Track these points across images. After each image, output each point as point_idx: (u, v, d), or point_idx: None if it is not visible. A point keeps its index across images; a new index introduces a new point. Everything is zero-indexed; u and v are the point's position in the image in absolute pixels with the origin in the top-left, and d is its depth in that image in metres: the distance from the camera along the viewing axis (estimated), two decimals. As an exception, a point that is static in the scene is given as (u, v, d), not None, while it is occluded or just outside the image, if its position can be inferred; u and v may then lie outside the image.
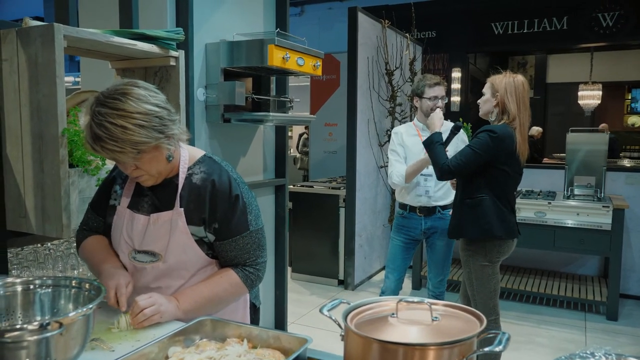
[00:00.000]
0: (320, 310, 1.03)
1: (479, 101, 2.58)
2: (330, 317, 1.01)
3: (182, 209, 1.40)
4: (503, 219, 2.46)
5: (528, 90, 2.50)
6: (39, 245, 2.06)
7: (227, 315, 1.47)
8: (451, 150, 2.97)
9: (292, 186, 5.06)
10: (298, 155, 9.77)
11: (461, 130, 2.92)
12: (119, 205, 1.49)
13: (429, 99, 3.01)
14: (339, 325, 0.98)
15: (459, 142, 3.08)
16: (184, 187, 1.42)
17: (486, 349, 0.89)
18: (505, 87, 2.43)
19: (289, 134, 13.22)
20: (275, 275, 3.57)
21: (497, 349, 0.88)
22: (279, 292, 3.57)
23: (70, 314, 0.94)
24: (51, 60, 1.62)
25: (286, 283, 3.60)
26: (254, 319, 1.65)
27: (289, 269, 5.01)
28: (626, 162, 7.52)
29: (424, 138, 3.07)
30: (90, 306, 0.97)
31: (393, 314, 0.98)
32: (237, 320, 1.39)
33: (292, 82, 4.03)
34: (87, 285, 1.09)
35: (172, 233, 1.39)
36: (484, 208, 2.45)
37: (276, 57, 2.65)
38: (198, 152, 1.51)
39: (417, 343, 0.89)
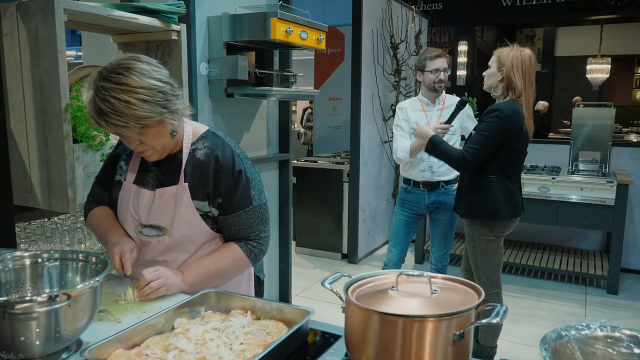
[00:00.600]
0: (322, 283, 1.05)
1: (484, 73, 2.55)
2: (332, 290, 1.03)
3: (187, 183, 1.41)
4: (510, 199, 2.46)
5: (535, 65, 2.46)
6: (46, 219, 2.09)
7: (232, 288, 1.50)
8: (456, 124, 2.96)
9: (295, 161, 5.07)
10: (302, 130, 9.74)
11: (467, 104, 2.90)
12: (124, 181, 1.51)
13: (431, 71, 2.98)
14: (340, 297, 1.00)
15: (465, 117, 3.06)
16: (188, 162, 1.43)
17: (483, 321, 0.91)
18: (512, 62, 2.40)
19: (293, 108, 13.18)
20: (280, 249, 3.61)
21: (494, 321, 0.90)
22: (283, 265, 3.62)
23: (78, 286, 0.97)
24: (52, 35, 1.61)
25: (290, 257, 3.64)
26: (259, 292, 1.67)
27: (293, 243, 5.07)
28: (633, 137, 7.48)
29: (429, 113, 3.06)
30: (98, 279, 0.99)
31: (393, 286, 1.00)
32: (242, 293, 1.41)
33: (296, 55, 4.00)
34: (93, 259, 1.12)
35: (177, 207, 1.41)
36: (493, 191, 2.44)
37: (279, 31, 2.62)
38: (202, 128, 1.51)
39: (415, 315, 0.91)
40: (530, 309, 3.76)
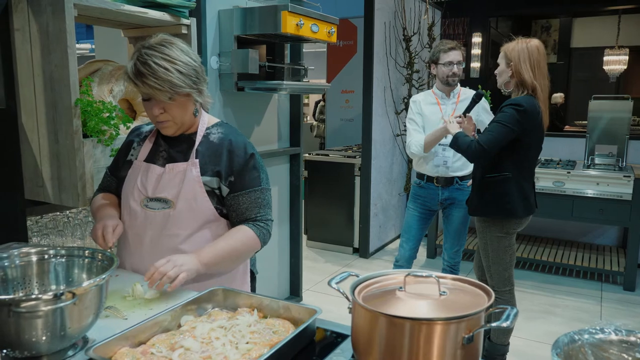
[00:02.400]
0: (329, 283, 1.03)
1: (495, 72, 2.50)
2: (338, 290, 1.02)
3: (197, 159, 1.50)
4: (524, 196, 2.41)
5: (544, 54, 2.37)
6: (58, 213, 2.10)
7: (226, 281, 1.54)
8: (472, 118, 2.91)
9: (307, 155, 5.05)
10: (315, 122, 9.71)
11: (482, 98, 2.85)
12: (135, 160, 1.58)
13: (444, 64, 2.93)
14: (347, 297, 0.98)
15: (481, 110, 3.01)
16: (201, 143, 1.52)
17: (493, 325, 0.89)
18: (519, 55, 2.33)
19: (305, 101, 13.14)
20: (291, 243, 3.61)
21: (504, 325, 0.88)
22: (294, 259, 3.62)
23: (84, 284, 0.96)
24: (62, 30, 1.62)
25: (301, 251, 3.64)
26: (252, 287, 1.74)
27: (304, 237, 5.07)
28: (651, 131, 7.33)
29: (443, 107, 3.02)
30: (103, 276, 0.99)
31: (401, 287, 0.98)
32: (235, 287, 1.51)
33: (308, 48, 3.95)
34: (100, 256, 1.12)
35: (185, 181, 1.48)
36: (507, 187, 2.39)
37: (290, 24, 2.60)
38: (215, 119, 1.63)
39: (424, 318, 0.89)
40: (544, 306, 3.72)
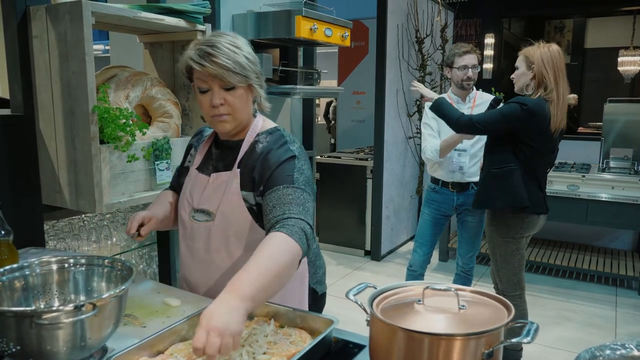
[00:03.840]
0: (347, 295, 1.03)
1: (512, 76, 2.48)
2: (356, 302, 1.02)
3: (239, 170, 1.40)
4: (531, 191, 2.41)
5: (564, 59, 2.38)
6: (74, 217, 2.12)
7: (282, 299, 1.29)
8: None
9: (319, 157, 5.06)
10: (332, 123, 9.71)
11: (501, 103, 2.83)
12: (191, 166, 1.54)
13: (459, 68, 2.90)
14: (365, 310, 0.98)
15: None
16: (247, 152, 1.42)
17: (513, 340, 0.88)
18: (542, 58, 2.33)
19: (317, 102, 13.14)
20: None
21: (524, 341, 0.87)
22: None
23: (104, 295, 0.97)
24: (80, 37, 1.63)
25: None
26: (315, 307, 1.53)
27: (316, 239, 5.06)
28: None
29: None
30: (123, 287, 1.00)
31: (419, 300, 0.97)
32: (293, 305, 1.30)
33: (319, 49, 3.94)
34: (119, 265, 1.12)
35: (226, 193, 1.40)
36: (513, 178, 2.39)
37: (304, 28, 2.60)
38: (271, 124, 1.50)
39: (443, 333, 0.89)
40: (558, 311, 3.68)
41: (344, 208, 4.91)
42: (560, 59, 2.35)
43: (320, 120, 11.77)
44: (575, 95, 8.36)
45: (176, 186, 1.63)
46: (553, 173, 4.11)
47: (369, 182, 4.72)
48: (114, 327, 1.02)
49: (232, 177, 1.40)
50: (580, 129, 7.41)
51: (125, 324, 1.23)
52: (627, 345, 0.88)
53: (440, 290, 0.98)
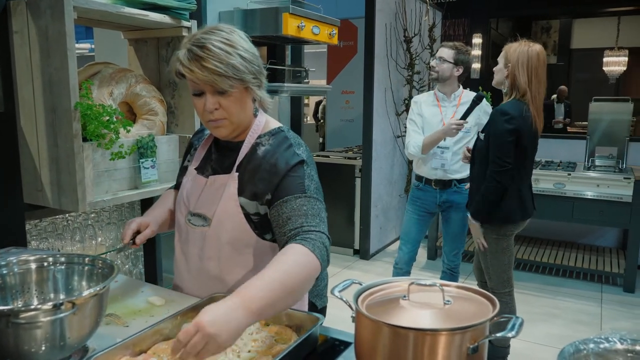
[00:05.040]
0: (332, 292, 1.02)
1: (494, 69, 2.51)
2: (342, 299, 1.01)
3: (237, 173, 1.32)
4: (522, 201, 2.43)
5: (544, 61, 2.37)
6: (57, 216, 2.09)
7: None
8: (472, 121, 2.90)
9: (307, 156, 5.04)
10: (321, 121, 9.70)
11: (483, 100, 2.84)
12: (190, 166, 1.47)
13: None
14: (350, 306, 0.97)
15: (482, 114, 2.99)
16: (247, 155, 1.33)
17: (498, 335, 0.88)
18: (518, 57, 2.33)
19: (305, 101, 13.13)
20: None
21: (509, 335, 0.87)
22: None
23: (84, 294, 0.95)
24: (62, 33, 1.60)
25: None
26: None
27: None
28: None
29: (444, 109, 3.01)
30: (103, 285, 0.98)
31: (404, 296, 0.97)
32: None
33: (308, 48, 3.93)
34: (100, 263, 1.10)
35: (223, 197, 1.32)
36: (507, 196, 2.40)
37: (291, 26, 2.59)
38: (274, 124, 1.41)
39: (428, 328, 0.88)
40: (545, 308, 3.71)
41: (332, 207, 4.90)
42: (538, 61, 2.34)
43: (310, 119, 11.76)
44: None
45: (179, 185, 1.54)
46: (540, 171, 4.15)
47: (358, 181, 4.72)
48: (95, 327, 1.00)
49: (229, 181, 1.31)
50: (568, 129, 7.49)
51: (108, 324, 1.21)
52: (610, 339, 0.88)
53: (425, 285, 0.97)
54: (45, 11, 1.63)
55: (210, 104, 1.23)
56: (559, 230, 4.86)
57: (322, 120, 9.49)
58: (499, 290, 2.55)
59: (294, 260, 1.09)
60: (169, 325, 1.13)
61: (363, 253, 4.75)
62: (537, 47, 2.36)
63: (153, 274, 2.39)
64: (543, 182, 4.12)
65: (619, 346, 0.87)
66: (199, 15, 2.56)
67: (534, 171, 4.13)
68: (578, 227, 4.78)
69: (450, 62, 2.87)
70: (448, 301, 0.94)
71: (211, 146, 1.44)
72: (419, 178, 3.05)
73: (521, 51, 2.36)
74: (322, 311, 1.49)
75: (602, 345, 0.86)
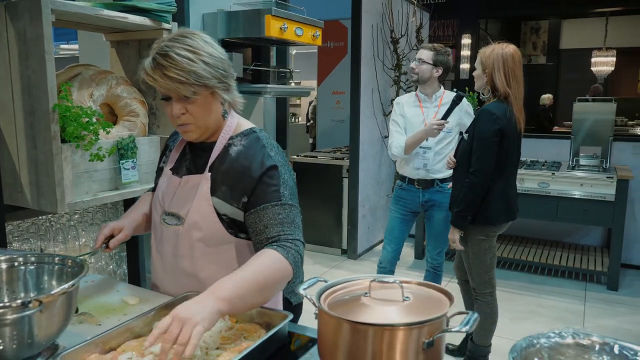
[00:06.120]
0: (297, 290, 1.05)
1: (473, 74, 2.54)
2: (306, 296, 1.03)
3: (210, 174, 1.35)
4: (507, 203, 2.45)
5: (520, 61, 2.40)
6: (40, 217, 2.10)
7: None
8: (453, 122, 2.93)
9: (295, 156, 5.07)
10: (312, 122, 9.73)
11: (464, 99, 2.88)
12: (165, 167, 1.50)
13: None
14: (314, 303, 1.00)
15: (463, 114, 3.02)
16: (219, 155, 1.36)
17: (453, 329, 0.90)
18: (493, 62, 2.36)
19: (297, 102, 13.14)
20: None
21: (463, 330, 0.89)
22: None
23: (53, 292, 0.97)
24: (39, 35, 1.62)
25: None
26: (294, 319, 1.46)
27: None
28: (638, 131, 7.41)
29: (425, 110, 3.04)
30: (72, 283, 0.99)
31: (366, 293, 0.99)
32: None
33: (299, 49, 3.95)
34: (70, 262, 1.12)
35: (196, 197, 1.34)
36: (490, 195, 2.43)
37: (273, 28, 2.62)
38: (247, 125, 1.44)
39: (386, 324, 0.90)
40: (529, 306, 3.75)
41: (320, 207, 4.93)
42: (514, 62, 2.37)
43: (301, 120, 11.79)
44: (549, 96, 8.50)
45: (156, 187, 1.57)
46: (524, 171, 4.19)
47: (345, 182, 4.75)
48: (64, 325, 1.02)
49: (202, 181, 1.34)
50: (556, 128, 7.55)
51: (81, 322, 1.23)
52: (562, 334, 0.91)
53: (387, 282, 1.00)
54: (23, 14, 1.64)
55: (176, 109, 1.27)
56: (545, 229, 4.91)
57: (312, 121, 9.52)
58: (481, 291, 2.59)
59: (267, 264, 1.18)
60: (140, 324, 1.15)
61: (351, 253, 4.78)
62: (510, 47, 2.39)
63: (136, 274, 2.41)
64: (528, 181, 4.16)
65: (569, 340, 0.90)
66: (181, 17, 2.58)
67: (519, 171, 4.18)
68: (564, 226, 4.84)
69: (429, 64, 2.91)
70: (407, 297, 0.97)
71: (185, 147, 1.47)
72: (402, 178, 3.08)
73: (495, 55, 2.38)
74: (297, 307, 1.51)
75: (552, 340, 0.89)
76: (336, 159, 4.85)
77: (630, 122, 8.44)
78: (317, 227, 4.96)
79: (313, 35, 2.91)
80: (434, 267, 3.11)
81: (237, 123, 1.40)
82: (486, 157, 2.37)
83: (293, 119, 12.72)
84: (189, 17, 2.66)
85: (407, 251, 4.97)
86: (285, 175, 1.34)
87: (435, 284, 1.02)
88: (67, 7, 1.68)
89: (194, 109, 1.28)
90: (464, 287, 2.85)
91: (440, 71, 2.93)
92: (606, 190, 3.93)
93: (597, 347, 0.89)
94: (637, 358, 0.83)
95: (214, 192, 1.33)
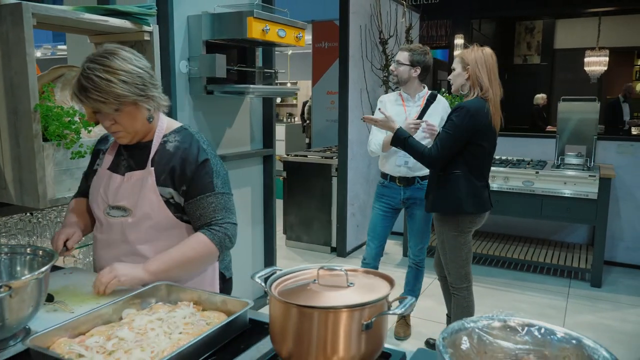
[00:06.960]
0: (252, 277, 1.11)
1: (449, 77, 2.61)
2: (261, 284, 1.10)
3: (153, 168, 1.52)
4: (475, 194, 2.51)
5: (496, 62, 2.52)
6: (27, 214, 2.17)
7: (196, 283, 1.56)
8: (436, 121, 2.97)
9: (286, 155, 5.15)
10: (308, 122, 9.80)
11: (438, 97, 2.94)
12: (100, 168, 1.63)
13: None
14: (266, 291, 1.07)
15: (443, 113, 3.08)
16: (157, 151, 1.54)
17: (390, 312, 0.98)
18: (476, 60, 2.46)
19: (294, 102, 13.19)
20: (265, 244, 3.69)
21: (398, 312, 0.96)
22: (267, 259, 3.70)
23: (23, 278, 1.04)
24: (21, 38, 1.68)
25: (275, 251, 3.72)
26: (224, 289, 1.71)
27: (284, 237, 5.15)
28: (633, 130, 7.48)
29: (407, 109, 3.11)
30: (41, 270, 1.07)
31: (314, 280, 1.06)
32: (205, 288, 1.50)
33: (294, 49, 4.00)
34: (41, 252, 1.19)
35: (142, 190, 1.51)
36: (457, 185, 2.50)
37: (256, 29, 2.68)
38: (176, 124, 1.64)
39: (330, 306, 0.97)
40: (513, 302, 3.82)
41: (310, 206, 5.00)
42: (493, 62, 2.49)
43: (297, 120, 11.86)
44: (543, 95, 8.54)
45: (86, 190, 1.71)
46: (509, 169, 4.26)
47: (335, 180, 4.82)
48: (34, 309, 1.09)
49: (146, 175, 1.51)
50: (549, 128, 7.61)
51: (55, 310, 1.29)
52: (493, 317, 0.98)
53: (334, 270, 1.07)
54: (6, 18, 1.71)
55: (105, 122, 1.47)
56: (531, 227, 4.98)
57: (308, 121, 9.59)
58: (457, 285, 2.66)
59: (193, 246, 1.49)
60: (110, 311, 1.22)
61: (340, 251, 4.85)
62: (488, 50, 2.51)
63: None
64: (513, 180, 4.23)
65: (496, 323, 0.97)
66: (165, 18, 2.64)
67: (504, 169, 4.25)
68: (550, 224, 4.90)
69: (407, 64, 2.97)
70: (351, 283, 1.04)
71: (120, 148, 1.62)
72: (384, 175, 3.15)
73: (477, 54, 2.49)
74: (230, 281, 1.75)
75: (481, 322, 0.96)
76: (325, 158, 4.92)
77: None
78: (306, 226, 5.03)
79: (296, 37, 2.98)
80: (416, 263, 3.18)
81: (167, 123, 1.60)
82: (449, 145, 2.45)
83: (289, 119, 12.81)
84: (173, 19, 2.73)
85: (396, 249, 5.04)
86: (217, 166, 1.56)
87: (380, 272, 1.09)
88: (48, 11, 1.75)
89: (120, 119, 1.46)
90: (444, 282, 2.92)
91: (419, 70, 2.99)
92: (589, 188, 3.99)
93: (523, 329, 0.96)
94: (554, 336, 0.90)
95: (158, 182, 1.52)
